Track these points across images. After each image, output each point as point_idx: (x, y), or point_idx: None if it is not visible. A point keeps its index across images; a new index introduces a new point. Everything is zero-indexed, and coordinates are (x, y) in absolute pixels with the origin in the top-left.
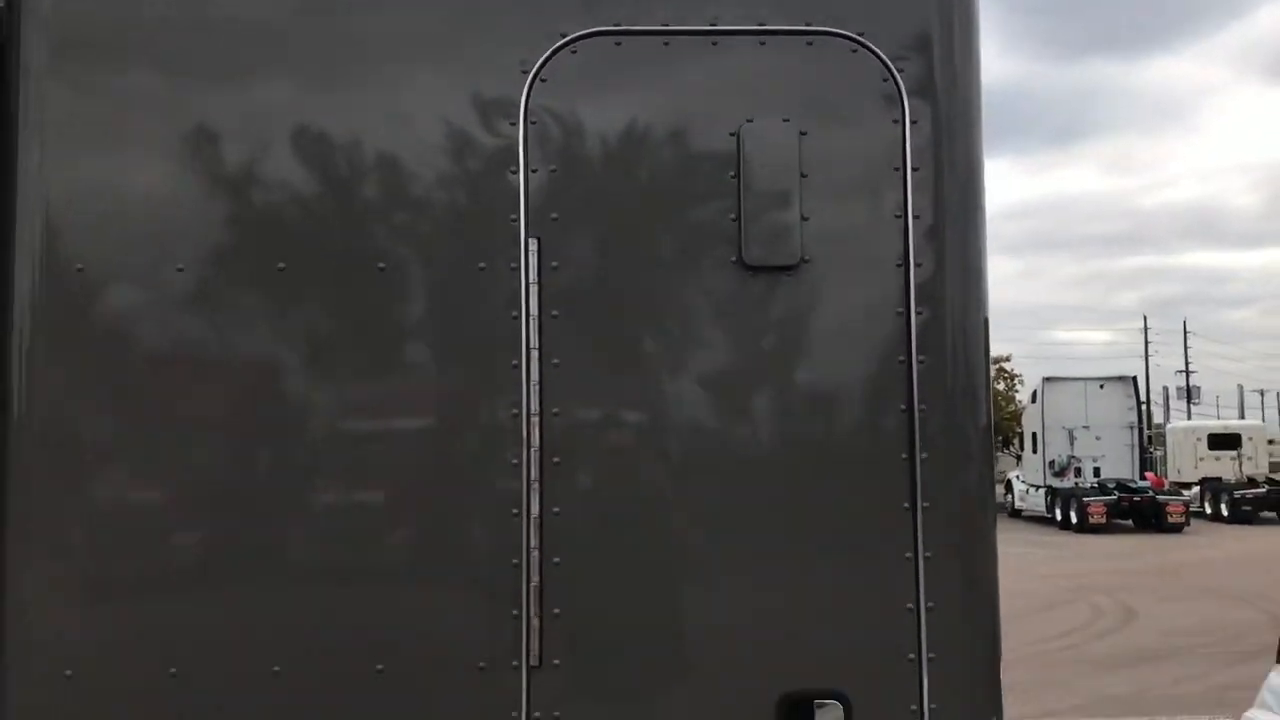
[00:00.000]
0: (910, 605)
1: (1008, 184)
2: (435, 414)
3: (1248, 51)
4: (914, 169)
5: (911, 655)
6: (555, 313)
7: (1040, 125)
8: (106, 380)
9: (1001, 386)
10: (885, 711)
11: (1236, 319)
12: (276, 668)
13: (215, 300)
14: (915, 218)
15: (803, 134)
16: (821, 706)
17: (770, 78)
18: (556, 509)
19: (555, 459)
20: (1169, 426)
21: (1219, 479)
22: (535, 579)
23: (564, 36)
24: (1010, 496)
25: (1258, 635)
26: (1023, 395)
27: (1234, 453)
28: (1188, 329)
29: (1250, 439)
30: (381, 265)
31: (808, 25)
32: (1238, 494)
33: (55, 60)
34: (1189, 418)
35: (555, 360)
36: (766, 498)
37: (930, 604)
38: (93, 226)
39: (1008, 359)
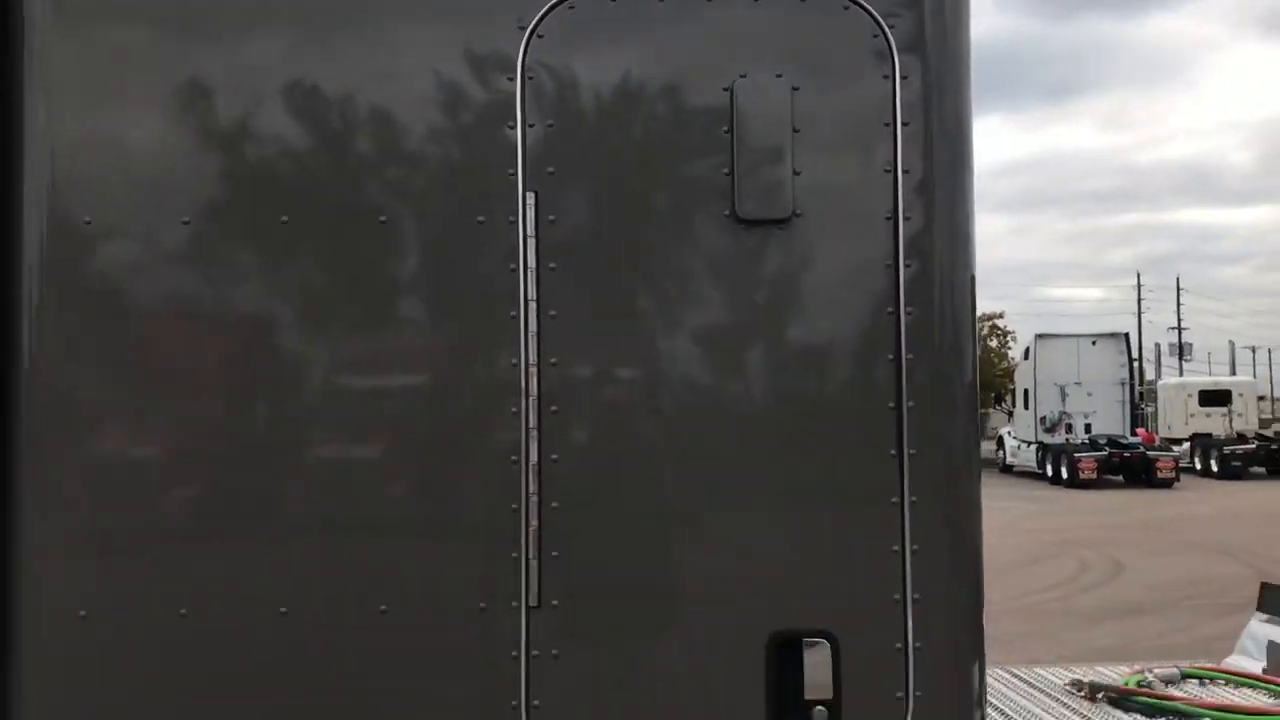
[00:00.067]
0: (896, 548)
1: (1001, 141)
2: (437, 364)
3: (1244, 6)
4: (904, 124)
5: (897, 596)
6: (552, 265)
7: (1034, 82)
8: (114, 331)
9: (994, 343)
10: (871, 649)
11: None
12: (284, 609)
13: (221, 252)
14: (905, 172)
15: (795, 89)
16: (810, 645)
17: (763, 34)
18: (554, 456)
19: (553, 408)
20: (1160, 383)
21: (1209, 435)
22: (534, 523)
23: None
24: (1002, 452)
25: (1243, 589)
26: (1015, 352)
27: (1224, 409)
28: (1180, 286)
29: (1240, 395)
30: (383, 219)
31: None
32: (1227, 450)
33: (59, 16)
34: (1181, 374)
35: (552, 312)
36: (758, 445)
37: (915, 547)
38: (99, 180)
39: (1000, 316)
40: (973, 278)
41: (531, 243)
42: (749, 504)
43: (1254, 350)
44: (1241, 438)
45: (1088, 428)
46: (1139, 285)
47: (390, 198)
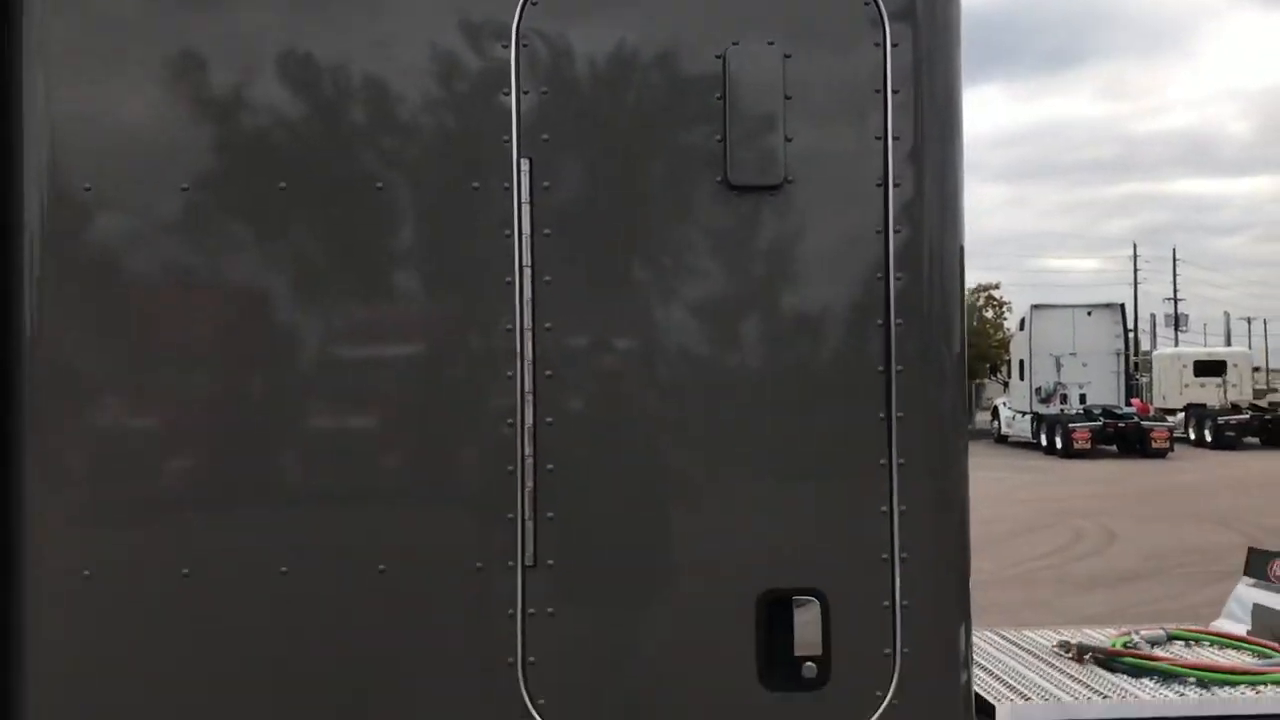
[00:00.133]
0: (884, 509)
1: (998, 111)
2: (434, 329)
3: None
4: (894, 92)
5: (885, 555)
6: (547, 231)
7: (1032, 50)
8: (114, 297)
9: (990, 314)
10: (859, 607)
11: (1226, 246)
12: (284, 568)
13: (220, 219)
14: (895, 139)
15: (787, 57)
16: (800, 603)
17: (755, 2)
18: (549, 419)
19: (548, 372)
20: (1155, 353)
21: (1203, 405)
22: (530, 484)
23: None
24: (997, 423)
25: (1235, 556)
26: (1011, 323)
27: (1219, 379)
28: (1177, 256)
29: (1235, 365)
30: (379, 185)
31: None
32: (1221, 420)
33: None
34: (1176, 345)
35: (547, 278)
36: (750, 408)
37: (903, 508)
38: (99, 148)
39: (996, 287)
40: (961, 250)
41: (526, 209)
42: (740, 465)
43: (1249, 321)
44: (1235, 408)
45: (1083, 398)
46: (1135, 256)
47: (387, 163)
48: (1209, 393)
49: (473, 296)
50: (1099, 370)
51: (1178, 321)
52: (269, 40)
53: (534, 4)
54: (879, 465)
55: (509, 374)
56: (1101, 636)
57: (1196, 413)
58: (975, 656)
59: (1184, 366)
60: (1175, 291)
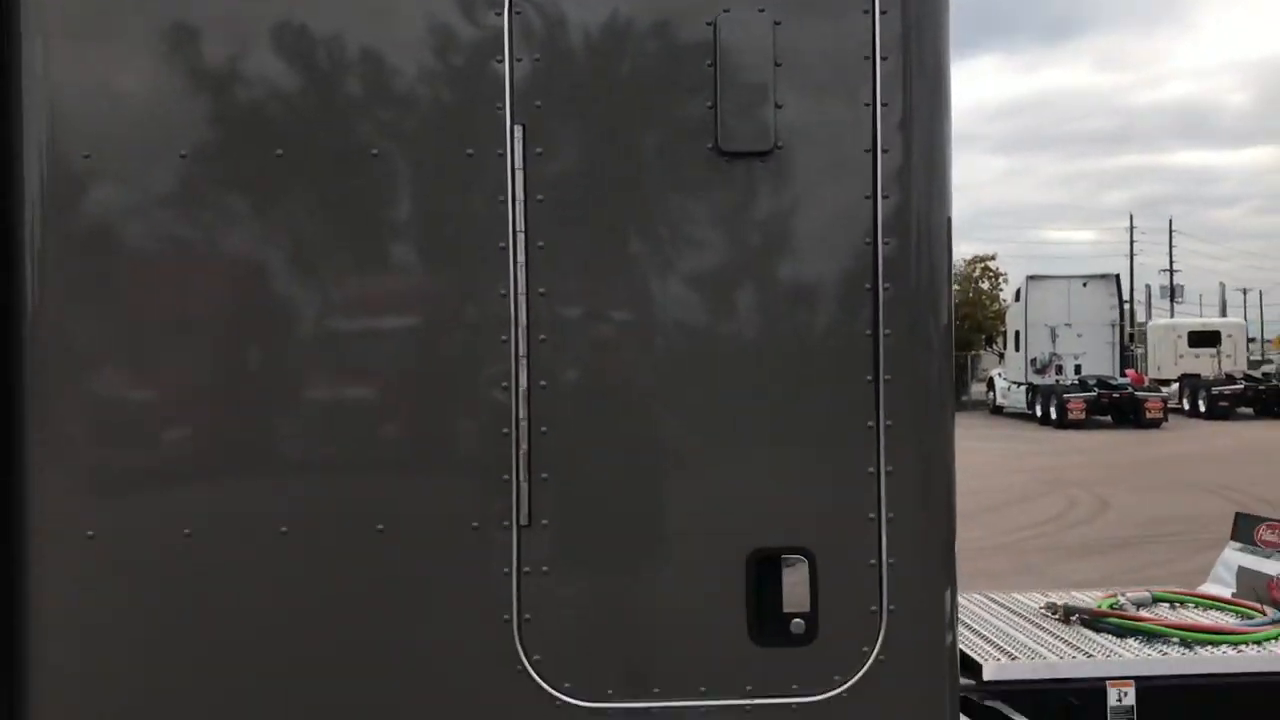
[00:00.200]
0: (871, 470)
1: (998, 82)
2: (430, 295)
3: None
4: (883, 59)
5: (871, 515)
6: (540, 197)
7: (1031, 20)
8: (115, 265)
9: (986, 285)
10: (846, 565)
11: (1224, 218)
12: (284, 528)
13: (217, 186)
14: (884, 106)
15: (777, 23)
16: (788, 562)
17: None
18: (543, 382)
19: (541, 336)
20: (1150, 324)
21: (1198, 376)
22: (524, 446)
23: None
24: (992, 394)
25: (1225, 524)
26: (1007, 294)
27: (1213, 350)
28: (1174, 228)
29: (1230, 336)
30: (375, 151)
31: None
32: (1215, 390)
33: None
34: (1172, 316)
35: (540, 243)
36: (740, 370)
37: (889, 469)
38: (99, 116)
39: (993, 258)
40: (949, 221)
41: (519, 175)
42: (730, 426)
43: (1245, 292)
44: (1230, 379)
45: (1077, 369)
46: (1131, 228)
47: (382, 131)
48: (1203, 363)
49: (468, 262)
50: (1094, 341)
51: (1173, 292)
52: (266, 4)
53: None
54: (866, 428)
55: (503, 339)
56: (1088, 599)
57: (1191, 383)
58: (964, 618)
59: (1179, 337)
60: (1171, 262)
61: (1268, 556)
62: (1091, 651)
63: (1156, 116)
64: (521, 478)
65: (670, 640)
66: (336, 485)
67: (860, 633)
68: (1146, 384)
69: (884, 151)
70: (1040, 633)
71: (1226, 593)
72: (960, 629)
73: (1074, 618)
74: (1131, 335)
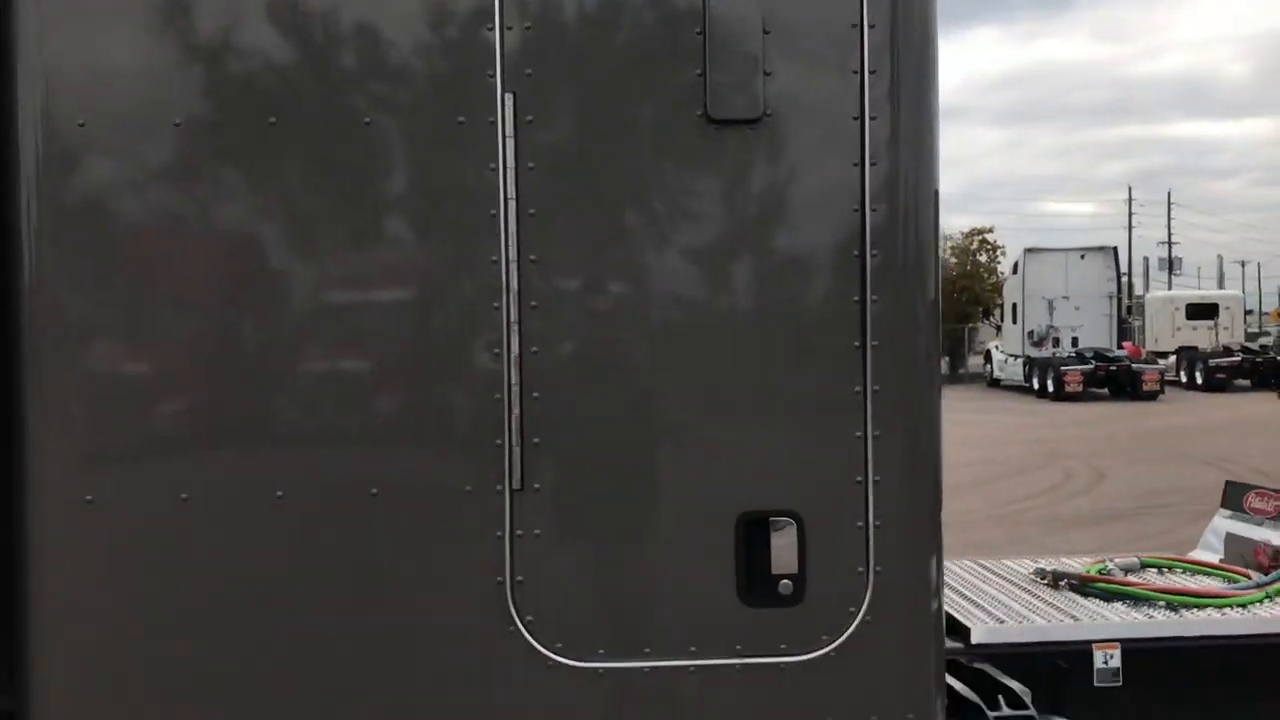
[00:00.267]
0: (858, 434)
1: (995, 54)
2: (423, 262)
3: None
4: (871, 27)
5: (859, 478)
6: (531, 165)
7: None
8: (113, 235)
9: (983, 258)
10: (834, 527)
11: (1223, 190)
12: (279, 492)
13: (211, 156)
14: (872, 73)
15: None
16: (777, 524)
17: None
18: (535, 348)
19: (533, 303)
20: (1147, 296)
21: (1195, 348)
22: (516, 411)
23: None
24: (989, 366)
25: (1219, 495)
26: (1004, 267)
27: (1211, 322)
28: (1173, 200)
29: (1227, 309)
30: (366, 120)
31: None
32: (1212, 363)
33: None
34: (1170, 288)
35: (531, 210)
36: (729, 336)
37: (877, 432)
38: (93, 84)
39: (990, 230)
40: (936, 194)
41: (510, 143)
42: (720, 391)
43: (1243, 265)
44: (1227, 351)
45: (1075, 341)
46: (1130, 199)
47: (374, 98)
48: (1201, 336)
49: (459, 229)
50: (1091, 314)
51: (1171, 265)
52: None
53: None
54: (854, 392)
55: (495, 305)
56: (1077, 564)
57: (1188, 355)
58: (955, 584)
59: (1176, 309)
60: (1169, 235)
61: (1257, 524)
62: (1079, 615)
63: (1155, 88)
64: (514, 442)
65: (660, 601)
66: (331, 451)
67: (847, 594)
68: (1144, 356)
69: (872, 119)
70: (1030, 598)
71: (1215, 559)
72: (951, 594)
73: (1063, 583)
74: (1129, 308)
